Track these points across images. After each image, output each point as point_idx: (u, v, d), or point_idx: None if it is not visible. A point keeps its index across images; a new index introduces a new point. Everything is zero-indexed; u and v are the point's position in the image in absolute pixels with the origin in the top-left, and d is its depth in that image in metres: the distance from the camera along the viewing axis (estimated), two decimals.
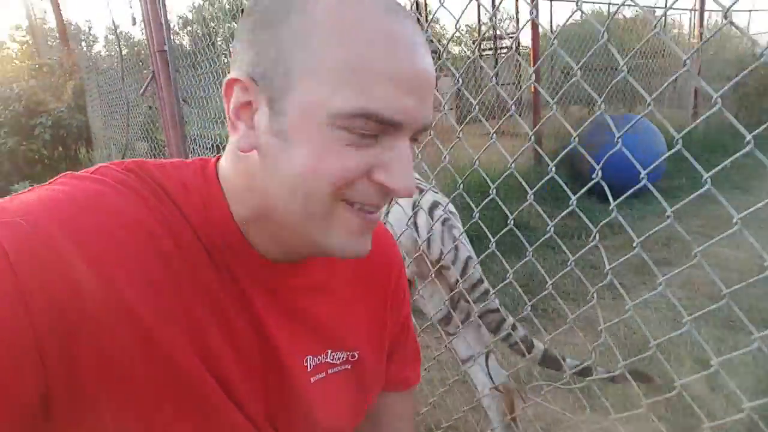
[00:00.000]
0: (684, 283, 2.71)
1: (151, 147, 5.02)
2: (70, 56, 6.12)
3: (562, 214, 1.15)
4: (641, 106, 6.33)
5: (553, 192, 3.85)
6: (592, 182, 1.03)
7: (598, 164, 1.00)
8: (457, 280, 1.49)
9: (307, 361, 0.55)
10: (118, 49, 2.67)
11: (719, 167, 0.76)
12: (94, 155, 5.87)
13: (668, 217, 0.84)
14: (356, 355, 0.60)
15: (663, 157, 1.12)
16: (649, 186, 0.91)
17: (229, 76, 0.46)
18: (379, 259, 0.63)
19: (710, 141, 5.45)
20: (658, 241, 3.31)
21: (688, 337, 2.17)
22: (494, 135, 1.22)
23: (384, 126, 0.42)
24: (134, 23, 2.42)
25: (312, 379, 0.55)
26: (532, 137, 1.15)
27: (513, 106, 1.21)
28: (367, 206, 0.46)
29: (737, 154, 0.76)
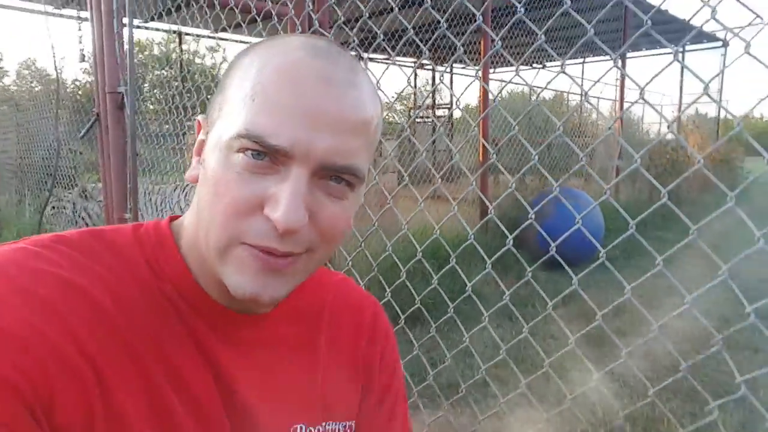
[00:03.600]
0: (645, 354, 2.75)
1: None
2: None
3: (519, 283, 1.27)
4: (575, 179, 6.78)
5: (500, 260, 3.89)
6: (548, 255, 1.15)
7: (544, 233, 1.17)
8: None
9: (297, 431, 0.52)
10: (56, 86, 2.40)
11: (672, 250, 0.92)
12: None
13: (627, 291, 1.02)
14: (353, 427, 0.57)
15: (623, 238, 1.22)
16: (608, 265, 1.08)
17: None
18: (349, 314, 0.61)
19: (631, 215, 5.91)
20: (608, 312, 3.38)
21: (652, 409, 2.17)
22: (455, 204, 1.39)
23: (274, 154, 0.42)
24: (83, 59, 2.19)
25: None
26: (492, 210, 1.30)
27: (469, 174, 1.40)
28: (264, 249, 0.43)
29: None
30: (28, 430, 0.36)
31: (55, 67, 2.28)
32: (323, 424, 0.55)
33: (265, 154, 0.42)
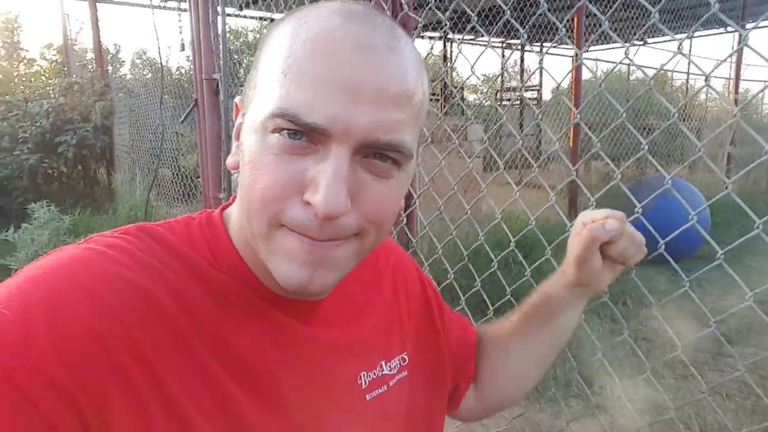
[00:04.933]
0: (758, 367, 2.46)
1: (174, 174, 4.93)
2: (102, 77, 6.14)
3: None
4: (676, 166, 6.21)
5: None
6: (655, 253, 0.95)
7: (643, 227, 0.95)
8: None
9: (360, 378, 0.54)
10: (160, 74, 2.60)
11: None
12: (115, 178, 5.80)
13: (748, 299, 0.85)
14: (406, 358, 0.59)
15: (741, 240, 1.01)
16: (726, 266, 0.90)
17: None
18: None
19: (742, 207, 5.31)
20: (714, 315, 3.07)
21: None
22: (552, 195, 1.27)
23: (310, 133, 0.39)
24: (182, 49, 2.34)
25: (368, 396, 0.54)
26: (593, 202, 1.14)
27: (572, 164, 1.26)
28: (304, 236, 0.41)
29: None
30: None
31: (159, 55, 2.45)
32: (381, 364, 0.56)
33: (301, 134, 0.39)
